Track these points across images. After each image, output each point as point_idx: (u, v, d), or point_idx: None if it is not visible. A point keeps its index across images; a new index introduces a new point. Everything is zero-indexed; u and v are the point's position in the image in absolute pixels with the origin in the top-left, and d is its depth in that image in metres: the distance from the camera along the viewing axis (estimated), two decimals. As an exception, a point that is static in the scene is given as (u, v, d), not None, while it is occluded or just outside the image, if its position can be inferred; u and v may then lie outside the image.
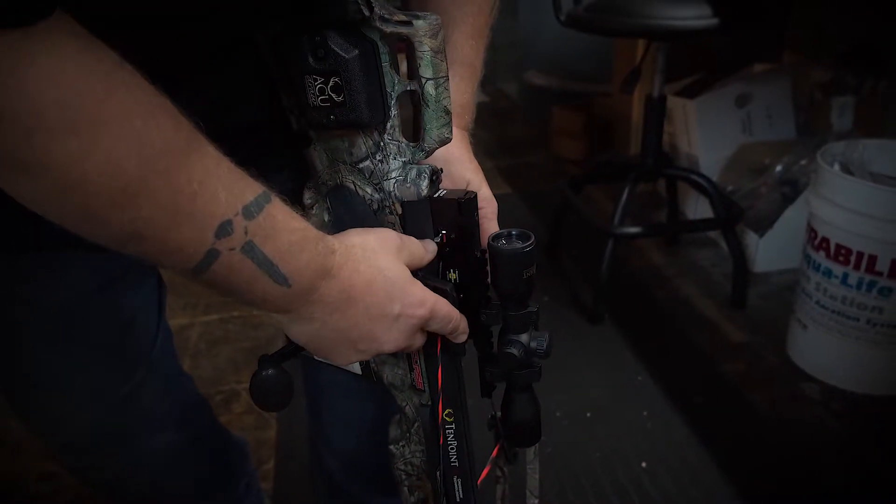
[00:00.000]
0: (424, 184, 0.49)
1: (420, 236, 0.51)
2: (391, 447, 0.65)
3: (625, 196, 1.68)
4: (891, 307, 1.34)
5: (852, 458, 1.29)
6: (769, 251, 1.83)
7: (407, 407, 0.61)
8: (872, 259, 1.32)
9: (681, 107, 2.08)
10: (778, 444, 1.34)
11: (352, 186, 0.52)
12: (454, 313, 0.51)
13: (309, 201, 0.53)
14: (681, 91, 2.12)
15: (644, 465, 1.29)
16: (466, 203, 0.50)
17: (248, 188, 0.41)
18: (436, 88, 0.46)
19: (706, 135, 2.06)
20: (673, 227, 2.03)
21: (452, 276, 0.53)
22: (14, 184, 0.35)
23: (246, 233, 0.40)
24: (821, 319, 1.44)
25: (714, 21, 1.43)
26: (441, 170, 0.51)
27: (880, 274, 1.32)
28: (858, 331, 1.39)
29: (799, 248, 1.52)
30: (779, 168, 1.86)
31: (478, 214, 0.52)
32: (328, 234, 0.52)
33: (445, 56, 0.46)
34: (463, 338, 0.53)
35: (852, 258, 1.35)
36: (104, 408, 0.70)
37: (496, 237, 0.52)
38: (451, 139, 0.49)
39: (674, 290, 1.83)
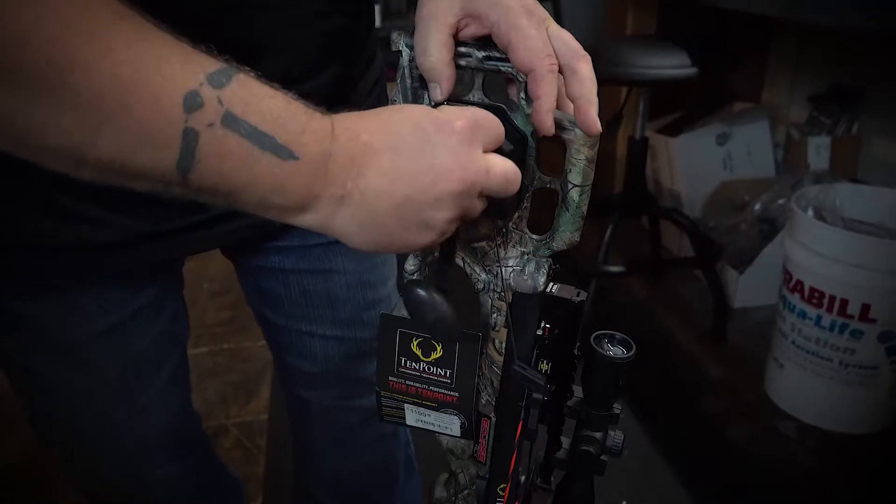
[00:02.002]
0: (542, 280, 0.49)
1: (524, 327, 0.50)
2: None
3: (608, 234, 1.72)
4: (862, 349, 1.39)
5: (825, 495, 1.33)
6: (748, 287, 1.88)
7: (461, 474, 0.61)
8: (844, 303, 1.37)
9: (663, 144, 2.14)
10: (754, 481, 1.37)
11: (459, 263, 0.52)
12: (495, 120, 0.43)
13: (411, 268, 0.52)
14: (663, 129, 2.18)
15: (624, 503, 1.32)
16: (577, 305, 0.49)
17: (209, 59, 0.36)
18: (580, 196, 0.46)
19: (688, 172, 2.12)
20: (655, 266, 2.08)
21: (544, 366, 0.52)
22: None
23: (220, 102, 0.35)
24: (796, 359, 1.49)
25: (693, 70, 1.48)
26: (558, 266, 0.50)
27: (851, 317, 1.37)
28: (832, 371, 1.44)
29: (777, 285, 1.56)
30: (757, 206, 1.92)
31: (584, 317, 0.50)
32: None
33: (595, 164, 0.45)
34: (515, 188, 0.44)
35: (825, 301, 1.40)
36: (107, 431, 0.71)
37: (598, 338, 0.51)
38: (577, 242, 0.48)
39: (656, 325, 1.88)
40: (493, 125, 0.43)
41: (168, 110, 0.34)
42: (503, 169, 0.43)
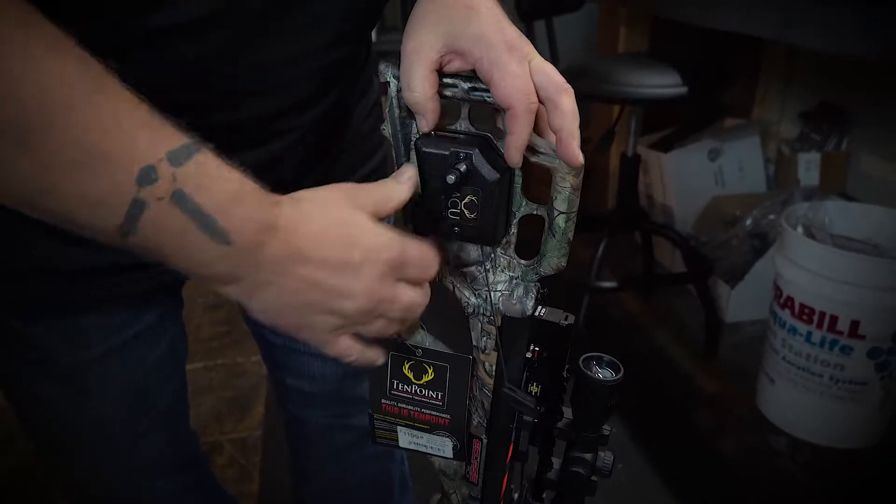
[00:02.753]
0: (530, 304, 0.50)
1: (514, 350, 0.51)
2: None
3: (601, 250, 1.74)
4: (852, 364, 1.40)
5: (817, 512, 1.34)
6: (740, 302, 1.89)
7: (453, 495, 0.62)
8: (834, 319, 1.39)
9: (655, 159, 2.16)
10: (747, 495, 1.38)
11: (450, 287, 0.53)
12: (428, 256, 0.46)
13: None
14: (655, 144, 2.20)
15: (618, 518, 1.33)
16: (565, 328, 0.50)
17: (174, 135, 0.38)
18: (566, 222, 0.47)
19: (680, 187, 2.14)
20: (647, 281, 2.09)
21: (534, 389, 0.53)
22: None
23: (174, 179, 0.37)
24: (787, 374, 1.50)
25: (683, 90, 1.50)
26: (546, 290, 0.51)
27: (841, 333, 1.39)
28: (822, 386, 1.45)
29: (768, 300, 1.58)
30: (748, 221, 1.93)
31: (571, 339, 0.51)
32: (414, 326, 0.51)
33: (580, 192, 0.46)
34: (433, 271, 0.47)
35: (815, 317, 1.41)
36: (108, 453, 0.72)
37: (587, 360, 0.52)
38: (564, 267, 0.49)
39: (648, 340, 1.89)
40: (421, 263, 0.45)
41: (122, 180, 0.36)
42: (408, 302, 0.46)
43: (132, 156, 0.36)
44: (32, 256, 0.59)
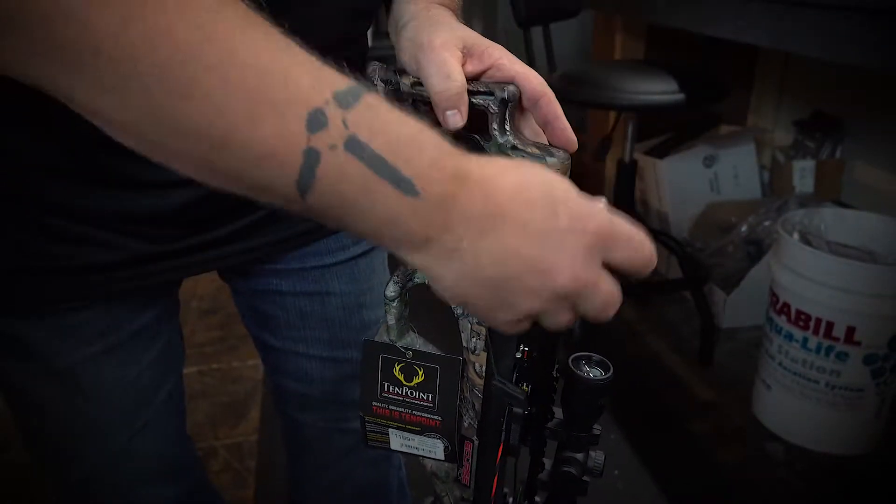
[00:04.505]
0: None
1: (504, 352, 0.51)
2: None
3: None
4: (848, 371, 1.40)
5: (813, 519, 1.34)
6: (736, 308, 1.89)
7: (446, 497, 0.61)
8: (830, 325, 1.39)
9: (651, 165, 2.17)
10: (742, 501, 1.38)
11: None
12: (641, 236, 0.39)
13: (392, 294, 0.52)
14: (650, 150, 2.21)
15: (614, 525, 1.32)
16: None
17: (338, 76, 0.34)
18: None
19: (675, 193, 2.14)
20: (643, 287, 2.09)
21: (525, 388, 0.52)
22: (67, 83, 0.31)
23: (345, 125, 0.33)
24: (783, 380, 1.50)
25: (680, 97, 1.51)
26: None
27: (837, 339, 1.39)
28: (818, 393, 1.45)
29: (764, 306, 1.58)
30: (744, 228, 1.94)
31: (561, 338, 0.50)
32: (404, 328, 0.51)
33: None
34: (650, 263, 0.40)
35: (811, 324, 1.41)
36: (102, 453, 0.71)
37: (576, 360, 0.51)
38: None
39: (644, 347, 1.89)
40: (633, 243, 0.39)
41: (291, 127, 0.32)
42: (608, 293, 0.39)
43: (297, 98, 0.33)
44: (27, 255, 0.59)
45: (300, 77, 0.33)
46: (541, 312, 0.39)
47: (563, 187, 0.38)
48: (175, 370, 0.76)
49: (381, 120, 0.34)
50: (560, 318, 0.40)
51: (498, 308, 0.39)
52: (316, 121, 0.33)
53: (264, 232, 0.67)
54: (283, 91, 0.32)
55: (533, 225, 0.36)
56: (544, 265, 0.37)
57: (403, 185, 0.34)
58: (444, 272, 0.38)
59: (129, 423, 0.71)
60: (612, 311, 0.40)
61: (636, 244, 0.39)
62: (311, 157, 0.33)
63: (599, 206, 0.38)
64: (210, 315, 2.05)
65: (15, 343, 0.64)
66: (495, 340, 0.50)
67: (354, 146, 0.33)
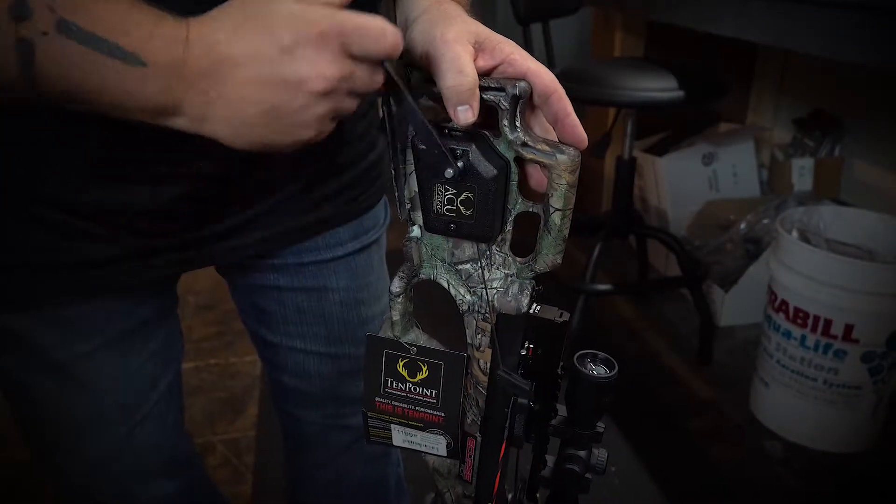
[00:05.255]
0: (525, 301, 0.50)
1: (508, 348, 0.51)
2: None
3: (596, 253, 1.74)
4: (846, 369, 1.41)
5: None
6: (734, 306, 1.89)
7: (447, 493, 0.61)
8: (828, 323, 1.39)
9: (650, 163, 2.16)
10: (740, 499, 1.38)
11: (444, 284, 0.52)
12: (374, 24, 0.41)
13: (397, 290, 0.53)
14: (650, 148, 2.21)
15: (612, 522, 1.33)
16: (560, 325, 0.50)
17: None
18: (561, 219, 0.46)
19: (674, 191, 2.14)
20: (642, 285, 2.10)
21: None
22: None
23: (52, 10, 0.35)
24: (781, 378, 1.50)
25: (680, 94, 1.50)
26: (541, 288, 0.51)
27: (835, 337, 1.39)
28: (816, 390, 1.45)
29: (762, 304, 1.58)
30: (743, 226, 1.94)
31: (566, 338, 0.51)
32: (408, 324, 0.51)
33: (577, 189, 0.46)
34: (390, 41, 0.42)
35: (809, 321, 1.41)
36: (101, 447, 0.71)
37: (581, 358, 0.52)
38: (560, 264, 0.48)
39: (642, 345, 1.89)
40: (367, 31, 0.41)
41: None
42: (366, 76, 0.42)
43: None
44: (24, 251, 0.58)
45: None
46: (327, 112, 0.42)
47: (281, 8, 0.40)
48: (173, 365, 0.76)
49: (88, 1, 0.36)
50: (346, 107, 0.43)
51: (292, 132, 0.42)
52: (20, 10, 0.34)
53: (261, 227, 0.67)
54: None
55: (262, 54, 0.39)
56: (292, 81, 0.40)
57: (128, 58, 0.37)
58: (216, 127, 0.41)
59: (128, 418, 0.71)
60: (376, 85, 0.44)
61: (371, 32, 0.41)
62: (25, 47, 0.34)
63: (323, 9, 0.40)
64: (208, 311, 2.04)
65: (13, 337, 0.64)
66: (501, 336, 0.50)
67: (66, 29, 0.35)
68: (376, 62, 0.43)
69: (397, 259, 0.54)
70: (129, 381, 0.69)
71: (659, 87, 1.51)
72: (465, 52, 0.44)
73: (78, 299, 0.63)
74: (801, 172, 2.01)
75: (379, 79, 0.43)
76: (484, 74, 0.46)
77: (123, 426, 0.71)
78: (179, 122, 0.41)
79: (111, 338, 0.66)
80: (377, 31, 0.41)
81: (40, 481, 0.76)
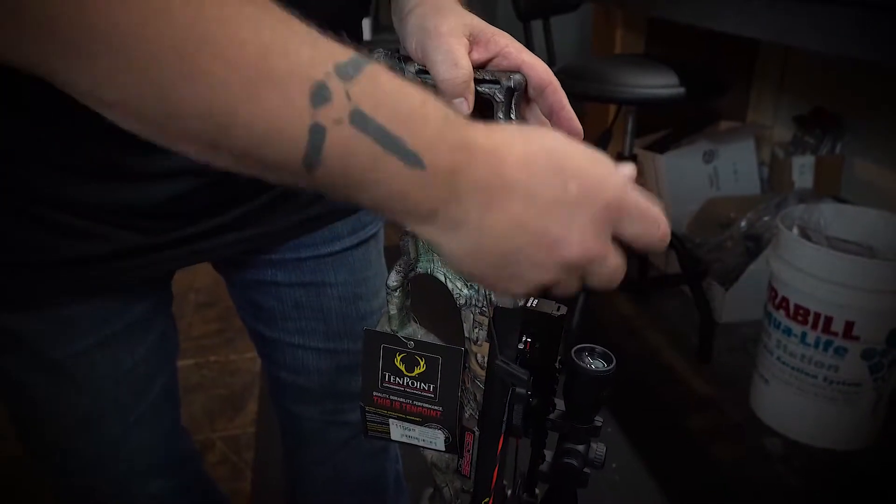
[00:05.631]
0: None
1: (506, 341, 0.50)
2: None
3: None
4: (846, 366, 1.40)
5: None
6: (734, 303, 1.89)
7: (445, 488, 0.61)
8: (828, 320, 1.39)
9: (651, 161, 2.16)
10: (740, 496, 1.38)
11: (441, 278, 0.52)
12: (654, 209, 0.38)
13: (394, 284, 0.52)
14: (650, 145, 2.20)
15: (611, 519, 1.32)
16: (557, 319, 0.50)
17: (339, 48, 0.33)
18: None
19: (675, 188, 2.14)
20: (642, 283, 2.09)
21: None
22: (64, 67, 0.31)
23: (349, 97, 0.33)
24: (781, 375, 1.50)
25: (681, 90, 1.50)
26: None
27: (835, 334, 1.39)
28: (816, 387, 1.45)
29: (762, 301, 1.58)
30: (743, 223, 1.94)
31: (564, 330, 0.50)
32: (405, 318, 0.50)
33: None
34: (664, 236, 0.39)
35: (810, 318, 1.41)
36: (97, 446, 0.71)
37: (579, 352, 0.51)
38: None
39: (642, 342, 1.88)
40: (646, 215, 0.38)
41: (296, 102, 0.32)
42: (615, 266, 0.39)
43: (299, 72, 0.32)
44: (25, 250, 0.58)
45: (300, 50, 0.32)
46: (551, 281, 0.39)
47: (576, 156, 0.37)
48: (170, 362, 0.76)
49: (384, 91, 0.34)
50: (568, 288, 0.40)
51: (506, 280, 0.39)
52: (319, 95, 0.32)
53: (258, 223, 0.67)
54: (284, 65, 0.32)
55: (541, 197, 0.36)
56: (552, 238, 0.36)
57: (409, 158, 0.34)
58: (452, 244, 0.37)
59: (124, 416, 0.70)
60: (617, 282, 0.40)
61: (650, 219, 0.38)
62: (317, 133, 0.32)
63: (614, 175, 0.37)
64: (208, 308, 2.04)
65: (8, 336, 0.63)
66: (498, 330, 0.50)
67: (359, 120, 0.33)
68: (629, 251, 0.39)
69: (395, 255, 0.54)
70: (124, 380, 0.69)
71: (659, 84, 1.51)
72: (459, 44, 0.44)
73: (76, 298, 0.62)
74: (802, 170, 2.01)
75: (620, 275, 0.40)
76: (479, 67, 0.46)
77: (120, 424, 0.70)
78: (425, 231, 0.38)
79: (107, 336, 0.66)
80: (655, 219, 0.38)
81: (39, 480, 0.75)
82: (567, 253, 0.37)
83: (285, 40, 0.32)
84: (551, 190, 0.36)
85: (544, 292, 0.41)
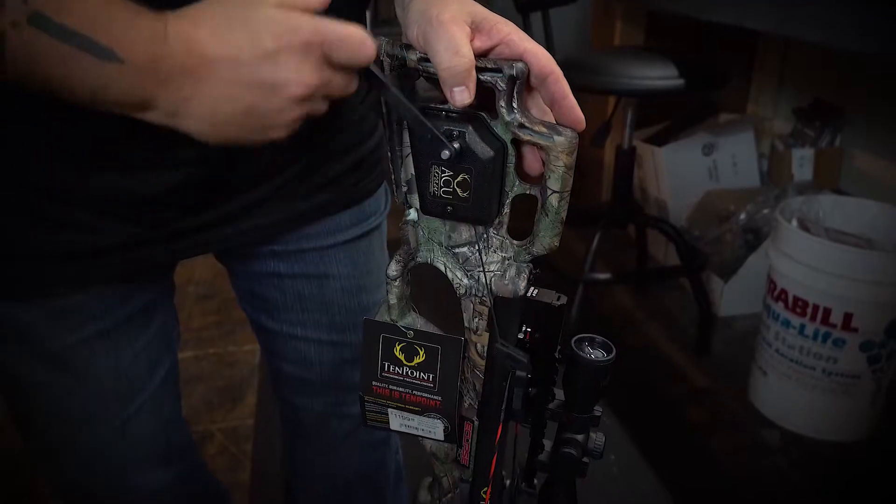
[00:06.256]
0: (523, 284, 0.49)
1: (505, 331, 0.51)
2: None
3: (595, 243, 1.73)
4: (845, 358, 1.41)
5: (806, 502, 1.35)
6: (733, 296, 1.89)
7: (445, 478, 0.61)
8: (827, 312, 1.39)
9: (650, 153, 2.16)
10: (738, 488, 1.38)
11: (441, 268, 0.52)
12: (355, 34, 0.42)
13: (394, 273, 0.52)
14: (650, 138, 2.20)
15: (610, 510, 1.33)
16: (557, 309, 0.50)
17: None
18: (559, 202, 0.46)
19: (674, 181, 2.14)
20: (641, 275, 2.09)
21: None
22: None
23: (25, 1, 0.35)
24: (780, 367, 1.50)
25: (680, 82, 1.50)
26: (538, 271, 0.50)
27: (834, 326, 1.39)
28: (815, 379, 1.45)
29: (761, 294, 1.58)
30: (742, 216, 1.94)
31: (564, 320, 0.51)
32: (405, 308, 0.51)
33: (574, 171, 0.45)
34: (369, 51, 0.43)
35: (808, 310, 1.41)
36: (97, 438, 0.71)
37: (579, 341, 0.51)
38: (557, 247, 0.48)
39: (641, 335, 1.89)
40: (348, 42, 0.42)
41: None
42: (342, 83, 0.44)
43: None
44: (24, 241, 0.58)
45: None
46: (301, 115, 0.44)
47: (264, 13, 0.40)
48: (170, 354, 0.75)
49: None
50: (317, 109, 0.45)
51: (261, 130, 0.43)
52: None
53: (259, 214, 0.67)
54: None
55: (243, 56, 0.40)
56: (271, 86, 0.41)
57: (103, 53, 0.37)
58: (190, 124, 0.42)
59: (124, 407, 0.70)
60: (350, 91, 0.45)
61: (351, 42, 0.42)
62: None
63: (301, 17, 0.41)
64: (207, 300, 2.04)
65: (8, 327, 0.63)
66: (498, 320, 0.50)
67: (38, 20, 0.35)
68: (353, 69, 0.44)
69: (398, 248, 0.54)
70: (123, 371, 0.69)
71: (659, 76, 1.51)
72: (461, 32, 0.44)
73: (77, 289, 0.62)
74: (801, 162, 2.01)
75: (353, 85, 0.45)
76: (481, 55, 0.45)
77: (120, 416, 0.70)
78: (151, 116, 0.42)
79: (107, 327, 0.66)
80: (358, 41, 0.43)
81: (38, 471, 0.75)
82: (293, 91, 0.42)
83: None
84: (250, 48, 0.40)
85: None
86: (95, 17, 0.37)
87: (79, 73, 0.38)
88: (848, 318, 1.37)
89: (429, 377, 0.54)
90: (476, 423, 0.56)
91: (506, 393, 0.52)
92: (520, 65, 0.44)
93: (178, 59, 0.39)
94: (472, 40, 0.45)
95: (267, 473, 1.39)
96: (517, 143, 0.46)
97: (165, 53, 0.39)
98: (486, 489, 0.57)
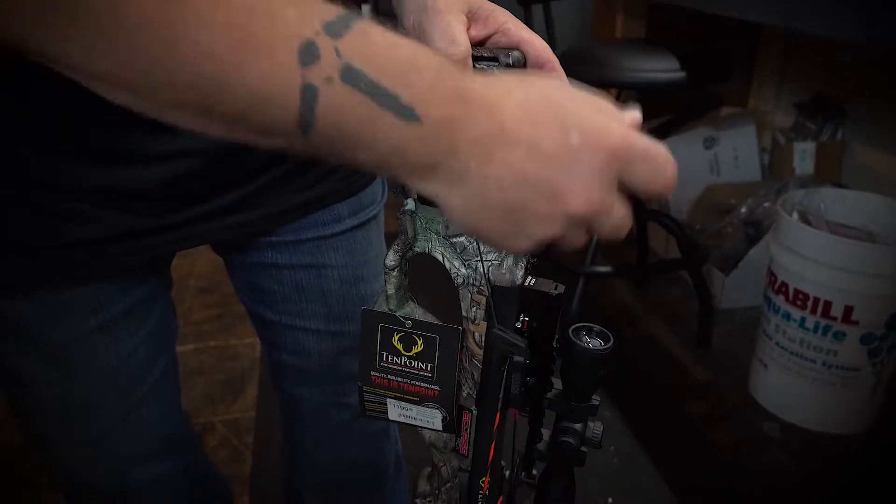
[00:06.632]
0: (520, 273, 0.49)
1: (503, 320, 0.50)
2: (416, 501, 0.65)
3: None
4: (845, 350, 1.41)
5: (805, 494, 1.35)
6: (734, 289, 1.89)
7: (443, 467, 0.61)
8: (828, 305, 1.39)
9: (651, 147, 2.15)
10: (739, 480, 1.39)
11: (439, 258, 0.52)
12: (662, 153, 0.37)
13: (392, 263, 0.52)
14: (651, 132, 2.19)
15: (610, 500, 1.33)
16: (555, 298, 0.50)
17: (325, 6, 0.33)
18: None
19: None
20: (642, 268, 2.09)
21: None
22: (61, 43, 0.30)
23: (338, 54, 0.32)
24: (780, 360, 1.50)
25: (681, 75, 1.49)
26: (536, 260, 0.49)
27: (834, 319, 1.39)
28: (815, 372, 1.45)
29: (762, 287, 1.58)
30: (743, 209, 1.93)
31: (562, 309, 0.50)
32: (403, 298, 0.50)
33: None
34: (670, 176, 0.37)
35: (809, 303, 1.41)
36: (97, 431, 0.71)
37: (577, 331, 0.51)
38: None
39: (642, 328, 1.89)
40: (655, 160, 0.37)
41: (284, 63, 0.31)
42: (621, 217, 0.38)
43: (286, 33, 0.31)
44: (22, 235, 0.58)
45: (286, 10, 0.31)
46: (557, 236, 0.38)
47: (577, 102, 0.36)
48: (169, 346, 0.76)
49: (374, 45, 0.33)
50: (574, 241, 0.39)
51: (513, 235, 0.38)
52: (308, 54, 0.31)
53: (257, 205, 0.67)
54: (270, 27, 0.31)
55: (542, 147, 0.35)
56: (555, 190, 0.35)
57: (404, 112, 0.33)
58: (455, 199, 0.36)
59: (124, 401, 0.71)
60: (623, 233, 0.39)
61: (656, 163, 0.37)
62: (309, 93, 0.32)
63: (618, 121, 0.36)
64: (207, 293, 2.05)
65: (6, 321, 0.63)
66: (496, 309, 0.50)
67: (351, 76, 0.32)
68: (634, 198, 0.38)
69: (395, 238, 0.54)
70: (123, 365, 0.69)
71: (660, 69, 1.50)
72: (457, 21, 0.44)
73: (76, 282, 0.62)
74: (803, 156, 2.00)
75: (625, 231, 0.39)
76: (477, 44, 0.45)
77: (119, 409, 0.70)
78: (427, 188, 0.37)
79: (107, 320, 0.66)
80: (663, 161, 0.37)
81: (38, 465, 0.76)
82: (572, 204, 0.36)
83: (270, 2, 0.31)
84: (553, 140, 0.35)
85: (550, 246, 0.40)
86: (403, 70, 0.33)
87: (377, 134, 0.33)
88: (848, 310, 1.37)
89: (427, 367, 0.54)
90: (474, 412, 0.56)
91: (503, 379, 0.52)
92: (516, 53, 0.44)
93: (478, 126, 0.34)
94: (468, 29, 0.45)
95: (268, 464, 1.39)
96: None
97: (466, 117, 0.34)
98: (484, 478, 0.57)
